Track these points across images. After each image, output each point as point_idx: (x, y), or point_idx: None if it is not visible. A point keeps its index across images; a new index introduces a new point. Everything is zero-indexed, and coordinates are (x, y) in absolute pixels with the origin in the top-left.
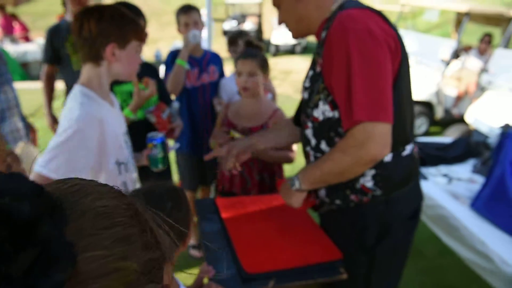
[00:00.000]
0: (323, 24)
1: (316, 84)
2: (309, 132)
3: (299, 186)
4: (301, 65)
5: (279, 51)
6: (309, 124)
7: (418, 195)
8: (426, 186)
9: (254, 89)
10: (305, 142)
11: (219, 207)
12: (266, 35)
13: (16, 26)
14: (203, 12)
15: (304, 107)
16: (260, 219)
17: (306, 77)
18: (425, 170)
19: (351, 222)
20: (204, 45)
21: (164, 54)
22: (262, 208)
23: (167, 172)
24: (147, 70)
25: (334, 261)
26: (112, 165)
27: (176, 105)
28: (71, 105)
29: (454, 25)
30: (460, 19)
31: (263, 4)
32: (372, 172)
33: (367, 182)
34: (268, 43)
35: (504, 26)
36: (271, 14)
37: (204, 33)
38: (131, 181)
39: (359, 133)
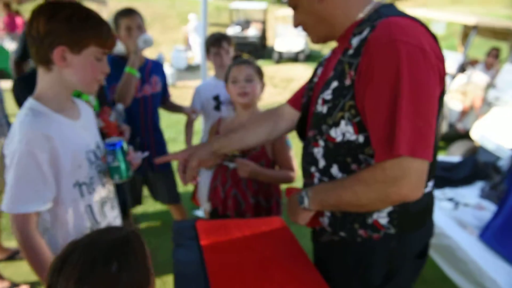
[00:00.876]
0: (353, 29)
1: (341, 99)
2: (318, 152)
3: (308, 205)
4: (303, 73)
5: (282, 59)
6: (321, 143)
7: (429, 232)
8: None
9: (253, 95)
10: (310, 161)
11: (199, 232)
12: (269, 42)
13: (19, 23)
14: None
15: (318, 122)
16: (243, 248)
17: (326, 87)
18: None
19: (356, 258)
20: (200, 51)
21: (167, 58)
22: (248, 235)
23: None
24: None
25: None
26: (71, 188)
27: (120, 107)
28: (13, 128)
29: (461, 38)
30: (467, 32)
31: (268, 10)
32: (390, 208)
33: (382, 218)
34: (271, 50)
35: None
36: (275, 21)
37: (198, 39)
38: (99, 202)
39: (392, 168)
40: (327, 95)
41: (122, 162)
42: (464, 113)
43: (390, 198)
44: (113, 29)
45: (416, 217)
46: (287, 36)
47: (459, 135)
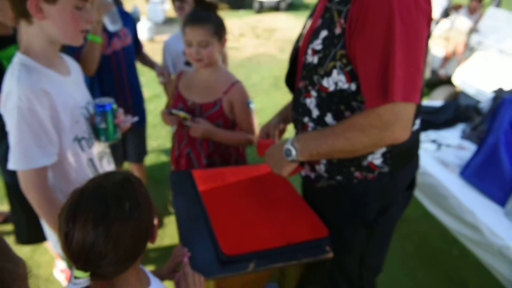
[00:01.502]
0: None
1: (332, 49)
2: (310, 102)
3: (296, 157)
4: (286, 22)
5: (263, 8)
6: (313, 93)
7: (416, 164)
8: None
9: (210, 60)
10: (302, 112)
11: (196, 179)
12: None
13: None
14: None
15: (309, 73)
16: (241, 194)
17: (314, 36)
18: None
19: (353, 198)
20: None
21: (143, 11)
22: (244, 181)
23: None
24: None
25: (319, 239)
26: (71, 143)
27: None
28: (8, 84)
29: None
30: None
31: None
32: (383, 149)
33: (376, 159)
34: None
35: None
36: None
37: None
38: (97, 156)
39: (387, 114)
40: (317, 45)
41: (110, 124)
42: (446, 59)
43: (383, 141)
44: None
45: (406, 154)
46: None
47: (441, 81)
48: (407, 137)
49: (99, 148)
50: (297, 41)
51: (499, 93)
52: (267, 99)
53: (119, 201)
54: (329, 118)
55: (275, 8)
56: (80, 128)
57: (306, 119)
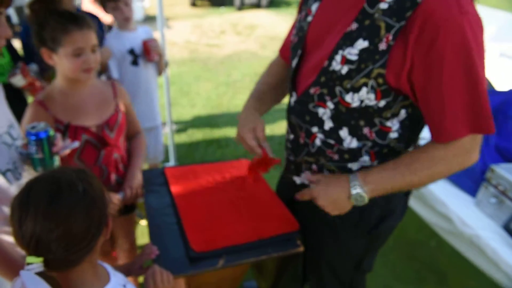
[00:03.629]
0: None
1: (369, 65)
2: (324, 113)
3: (365, 202)
4: (267, 19)
5: (244, 5)
6: (329, 105)
7: None
8: None
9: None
10: (311, 120)
11: (168, 177)
12: None
13: None
14: None
15: (330, 82)
16: (214, 190)
17: (348, 42)
18: None
19: (353, 209)
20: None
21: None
22: (216, 178)
23: None
24: None
25: (289, 233)
26: None
27: (34, 67)
28: None
29: None
30: None
31: None
32: None
33: None
34: None
35: None
36: None
37: None
38: None
39: (470, 142)
40: (351, 54)
41: (47, 153)
42: None
43: (463, 167)
44: None
45: None
46: None
47: None
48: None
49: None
50: (300, 30)
51: None
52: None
53: (72, 185)
54: (343, 133)
55: (256, 5)
56: (3, 159)
57: (314, 129)
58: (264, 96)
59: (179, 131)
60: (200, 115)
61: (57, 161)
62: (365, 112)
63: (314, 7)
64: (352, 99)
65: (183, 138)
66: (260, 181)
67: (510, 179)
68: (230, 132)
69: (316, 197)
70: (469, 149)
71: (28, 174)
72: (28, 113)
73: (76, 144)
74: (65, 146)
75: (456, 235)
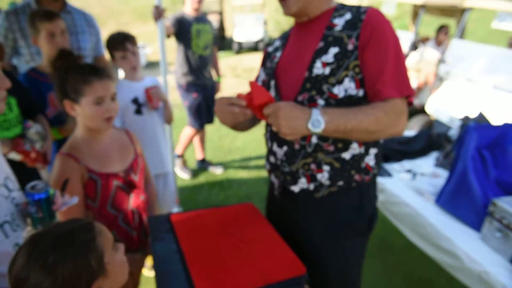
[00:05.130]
0: (331, 13)
1: (345, 60)
2: None
3: (321, 129)
4: None
5: (242, 49)
6: (320, 102)
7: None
8: (390, 184)
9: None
10: None
11: (174, 224)
12: (228, 33)
13: None
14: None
15: (316, 84)
16: (219, 235)
17: (321, 53)
18: (389, 167)
19: (351, 203)
20: (158, 43)
21: None
22: (221, 222)
23: None
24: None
25: (297, 277)
26: None
27: (32, 130)
28: None
29: (411, 17)
30: (417, 11)
31: (224, 1)
32: (374, 151)
33: (371, 160)
34: (230, 40)
35: (458, 17)
36: (232, 11)
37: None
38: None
39: (399, 105)
40: (328, 58)
41: (46, 212)
42: (419, 89)
43: (393, 128)
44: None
45: (383, 154)
46: (246, 26)
47: (416, 110)
48: (403, 133)
49: (28, 229)
50: (271, 69)
51: (465, 120)
52: (248, 136)
53: (45, 253)
54: None
55: (254, 48)
56: (0, 212)
57: None
58: None
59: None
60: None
61: (57, 217)
62: (349, 101)
63: (278, 54)
64: (339, 90)
65: (186, 181)
66: (264, 223)
67: None
68: (233, 174)
69: (279, 109)
70: (399, 111)
71: (27, 228)
72: (58, 167)
73: (76, 200)
74: (65, 203)
75: (464, 271)
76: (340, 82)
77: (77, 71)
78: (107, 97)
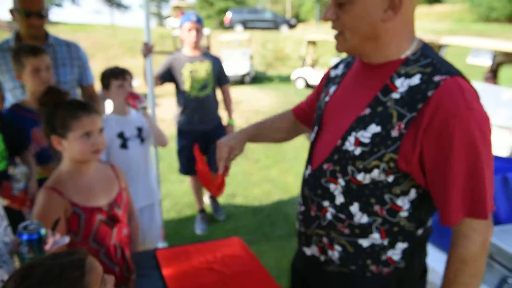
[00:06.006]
0: (398, 65)
1: (382, 149)
2: (335, 188)
3: None
4: (251, 95)
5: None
6: (341, 182)
7: (426, 251)
8: None
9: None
10: (323, 194)
11: (160, 260)
12: None
13: None
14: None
15: (343, 161)
16: (206, 271)
17: (361, 126)
18: None
19: None
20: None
21: None
22: (208, 258)
23: None
24: None
25: None
26: None
27: (18, 171)
28: None
29: None
30: None
31: (211, 36)
32: (405, 246)
33: (395, 255)
34: None
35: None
36: (219, 46)
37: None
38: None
39: (482, 227)
40: (364, 137)
41: (37, 252)
42: None
43: (488, 248)
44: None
45: (424, 246)
46: (233, 60)
47: None
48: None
49: (14, 265)
50: (320, 109)
51: None
52: (235, 169)
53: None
54: (354, 208)
55: (240, 82)
56: None
57: (326, 203)
58: (262, 127)
59: (168, 207)
60: (189, 191)
61: (45, 254)
62: (375, 188)
63: (332, 89)
64: (364, 178)
65: (171, 214)
66: (251, 258)
67: (497, 243)
68: None
69: None
70: (483, 231)
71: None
72: (41, 201)
73: (67, 239)
74: (56, 242)
75: None
76: (367, 171)
77: (65, 107)
78: (95, 131)
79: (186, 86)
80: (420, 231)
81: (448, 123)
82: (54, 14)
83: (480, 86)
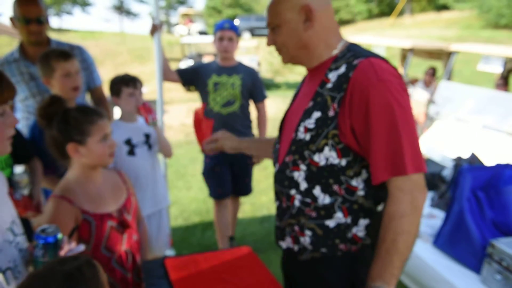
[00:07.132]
0: (329, 63)
1: (324, 128)
2: (299, 175)
3: None
4: None
5: None
6: (302, 167)
7: None
8: None
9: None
10: (289, 184)
11: (168, 269)
12: None
13: None
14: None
15: (299, 148)
16: (215, 281)
17: (307, 116)
18: None
19: (338, 272)
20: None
21: None
22: (217, 267)
23: None
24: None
25: None
26: None
27: (20, 178)
28: None
29: (400, 60)
30: (405, 54)
31: None
32: (366, 222)
33: (360, 232)
34: None
35: (445, 59)
36: None
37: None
38: None
39: (407, 185)
40: (310, 124)
41: (51, 257)
42: None
43: (418, 209)
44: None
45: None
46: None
47: None
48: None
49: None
50: (283, 118)
51: (458, 161)
52: None
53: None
54: (317, 191)
55: None
56: (4, 258)
57: (293, 192)
58: (258, 140)
59: (175, 214)
60: (197, 197)
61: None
62: (331, 170)
63: (292, 101)
64: (319, 158)
65: (179, 221)
66: (261, 269)
67: None
68: None
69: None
70: (412, 190)
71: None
72: (51, 209)
73: (82, 247)
74: (71, 250)
75: None
76: (320, 150)
77: (79, 114)
78: (109, 134)
79: (210, 99)
80: (380, 207)
81: (363, 94)
82: (65, 21)
83: (491, 93)
